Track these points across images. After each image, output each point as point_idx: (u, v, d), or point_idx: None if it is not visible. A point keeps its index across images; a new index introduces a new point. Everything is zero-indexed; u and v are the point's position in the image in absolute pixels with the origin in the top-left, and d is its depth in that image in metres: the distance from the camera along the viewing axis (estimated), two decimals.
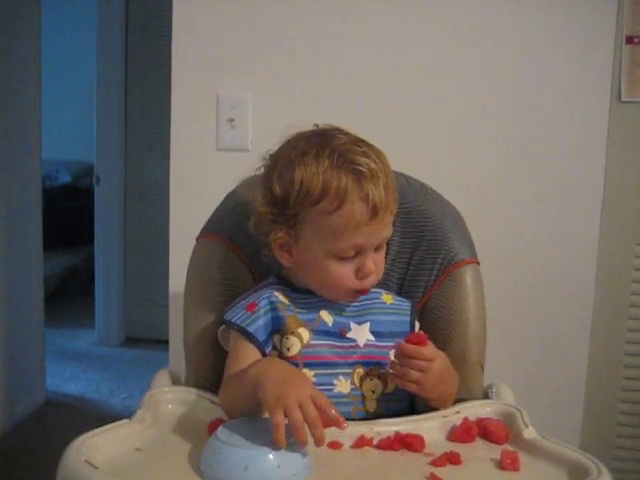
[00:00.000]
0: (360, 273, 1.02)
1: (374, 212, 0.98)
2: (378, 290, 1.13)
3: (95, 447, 0.86)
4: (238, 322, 1.05)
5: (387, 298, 1.13)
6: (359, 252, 1.01)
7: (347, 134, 1.04)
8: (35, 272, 2.94)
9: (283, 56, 1.64)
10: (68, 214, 4.73)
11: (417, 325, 1.13)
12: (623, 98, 1.58)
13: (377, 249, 1.03)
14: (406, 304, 1.13)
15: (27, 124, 2.81)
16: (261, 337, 1.04)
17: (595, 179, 1.61)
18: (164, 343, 1.72)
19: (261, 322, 1.05)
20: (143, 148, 3.86)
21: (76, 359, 3.64)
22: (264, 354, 1.04)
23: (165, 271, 1.69)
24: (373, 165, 0.99)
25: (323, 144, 1.01)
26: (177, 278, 1.57)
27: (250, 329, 1.04)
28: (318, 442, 0.83)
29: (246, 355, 1.02)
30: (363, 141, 1.04)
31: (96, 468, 0.81)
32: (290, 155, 1.02)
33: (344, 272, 1.02)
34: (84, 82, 4.34)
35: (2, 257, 2.64)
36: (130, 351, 3.83)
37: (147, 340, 3.84)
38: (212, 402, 1.03)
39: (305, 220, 1.01)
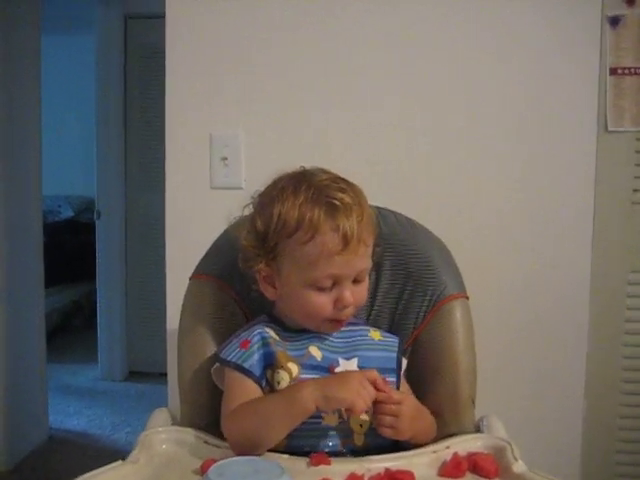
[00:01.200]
0: (339, 304, 1.05)
1: (345, 242, 1.01)
2: (366, 327, 1.16)
3: None
4: (234, 360, 1.07)
5: (375, 335, 1.14)
6: (336, 282, 1.04)
7: (328, 173, 1.09)
8: (36, 308, 2.95)
9: (275, 95, 1.66)
10: (71, 249, 4.77)
11: (404, 362, 1.14)
12: (609, 128, 1.60)
13: (356, 281, 1.06)
14: (393, 340, 1.15)
15: (28, 161, 2.84)
16: (257, 372, 1.06)
17: (585, 208, 1.62)
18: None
19: (256, 357, 1.07)
20: (143, 183, 3.89)
21: (79, 394, 3.64)
22: (262, 388, 1.06)
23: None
24: (347, 199, 1.03)
25: (302, 181, 1.06)
26: (174, 316, 1.58)
27: (246, 365, 1.06)
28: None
29: (245, 389, 1.05)
30: (342, 179, 1.08)
31: None
32: (272, 192, 1.08)
33: (322, 302, 1.05)
34: (84, 118, 4.40)
35: (4, 293, 2.65)
36: (134, 385, 3.82)
37: (151, 374, 3.82)
38: (206, 442, 1.05)
39: (284, 252, 1.05)
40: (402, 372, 1.13)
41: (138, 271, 3.96)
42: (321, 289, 1.04)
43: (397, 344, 1.14)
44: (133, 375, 3.97)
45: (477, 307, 1.24)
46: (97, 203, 3.89)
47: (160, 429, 1.08)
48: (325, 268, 1.02)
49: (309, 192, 1.04)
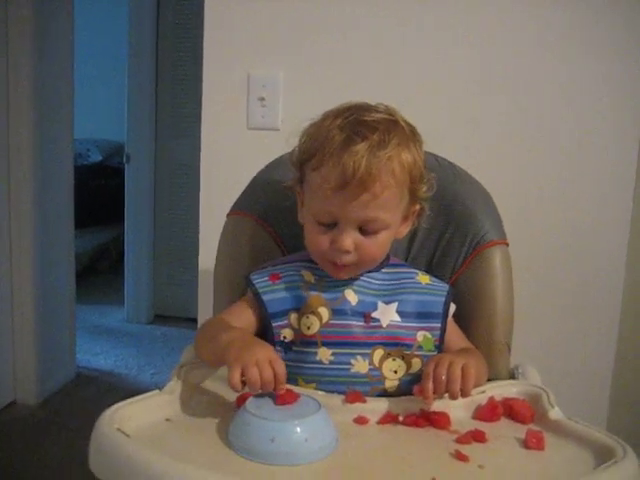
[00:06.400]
0: (333, 245, 0.99)
1: (343, 182, 0.94)
2: (414, 270, 1.13)
3: (126, 416, 0.88)
4: (257, 286, 1.06)
5: (423, 278, 1.11)
6: (336, 223, 0.99)
7: (386, 112, 1.00)
8: (67, 249, 2.98)
9: (315, 35, 1.64)
10: (98, 193, 4.79)
11: (453, 307, 1.11)
12: None
13: (366, 232, 0.99)
14: (443, 286, 1.11)
15: (60, 104, 2.84)
16: (272, 309, 1.04)
17: (627, 168, 1.57)
18: (192, 321, 1.74)
19: (279, 295, 1.05)
20: (173, 127, 3.89)
21: (106, 335, 3.70)
22: (270, 325, 1.04)
23: (194, 250, 1.71)
24: (374, 137, 0.95)
25: (347, 110, 1.00)
26: (206, 255, 1.59)
27: (264, 297, 1.05)
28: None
29: (241, 314, 1.06)
30: (395, 122, 1.00)
31: (128, 436, 0.83)
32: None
33: (320, 238, 1.00)
34: (116, 62, 4.36)
35: (35, 235, 2.68)
36: (159, 328, 3.88)
37: (176, 318, 3.90)
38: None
39: (306, 175, 1.02)
40: (449, 318, 1.10)
41: (166, 216, 3.98)
42: (322, 225, 1.00)
43: (447, 289, 1.11)
44: (158, 318, 4.02)
45: (512, 255, 1.22)
46: (127, 147, 3.88)
47: (196, 362, 1.08)
48: (322, 203, 0.97)
49: (345, 119, 0.97)
